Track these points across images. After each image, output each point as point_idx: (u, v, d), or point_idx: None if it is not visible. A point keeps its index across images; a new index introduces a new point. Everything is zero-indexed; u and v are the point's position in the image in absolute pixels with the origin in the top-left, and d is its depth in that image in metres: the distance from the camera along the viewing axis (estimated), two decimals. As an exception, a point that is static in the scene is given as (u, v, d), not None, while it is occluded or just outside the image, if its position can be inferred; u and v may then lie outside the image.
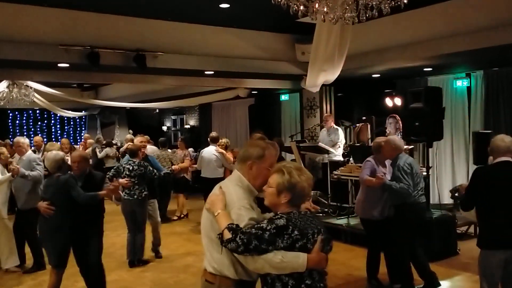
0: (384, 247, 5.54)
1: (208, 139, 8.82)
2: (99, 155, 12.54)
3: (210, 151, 8.51)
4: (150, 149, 10.35)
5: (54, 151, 5.28)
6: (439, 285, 5.45)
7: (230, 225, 2.42)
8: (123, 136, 15.95)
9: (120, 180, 6.44)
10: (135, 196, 6.61)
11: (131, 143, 11.56)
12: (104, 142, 13.17)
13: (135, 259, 6.74)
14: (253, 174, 2.65)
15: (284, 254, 2.35)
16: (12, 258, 6.39)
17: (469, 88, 9.52)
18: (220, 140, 8.83)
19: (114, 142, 15.41)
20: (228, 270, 2.55)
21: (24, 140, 6.57)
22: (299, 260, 2.36)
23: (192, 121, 17.71)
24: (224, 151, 8.61)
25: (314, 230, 2.45)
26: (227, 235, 2.40)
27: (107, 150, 12.63)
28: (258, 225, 2.40)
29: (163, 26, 7.95)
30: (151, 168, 6.76)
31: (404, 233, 5.26)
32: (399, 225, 5.26)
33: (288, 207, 2.48)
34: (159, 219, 7.26)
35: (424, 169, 7.57)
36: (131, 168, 6.67)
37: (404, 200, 5.16)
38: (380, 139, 5.64)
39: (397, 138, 5.71)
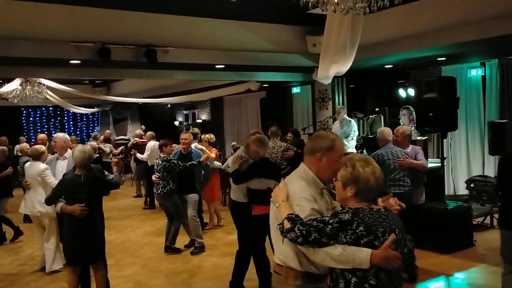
0: None
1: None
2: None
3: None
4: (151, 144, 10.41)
5: (83, 145, 5.05)
6: (415, 279, 5.41)
7: (289, 215, 2.38)
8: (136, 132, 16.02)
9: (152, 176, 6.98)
10: (159, 191, 6.85)
11: (137, 138, 11.66)
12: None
13: (167, 245, 7.02)
14: (322, 166, 2.61)
15: (345, 247, 2.25)
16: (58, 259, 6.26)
17: (483, 77, 9.38)
18: (203, 136, 8.61)
19: (127, 137, 15.51)
20: (293, 261, 2.52)
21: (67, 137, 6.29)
22: (362, 254, 2.22)
23: (204, 116, 17.74)
24: (204, 148, 8.39)
25: (386, 229, 2.28)
26: (287, 225, 2.36)
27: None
28: (321, 218, 2.33)
29: (173, 21, 7.93)
30: (175, 161, 6.80)
31: None
32: None
33: (356, 201, 2.38)
34: (188, 218, 7.00)
35: (438, 160, 7.50)
36: (157, 162, 6.89)
37: None
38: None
39: (381, 129, 5.97)
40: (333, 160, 2.58)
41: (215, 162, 8.19)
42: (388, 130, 5.90)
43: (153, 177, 6.91)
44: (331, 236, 2.26)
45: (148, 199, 10.60)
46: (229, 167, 6.04)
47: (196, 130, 9.07)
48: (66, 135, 6.40)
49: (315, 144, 2.66)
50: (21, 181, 7.03)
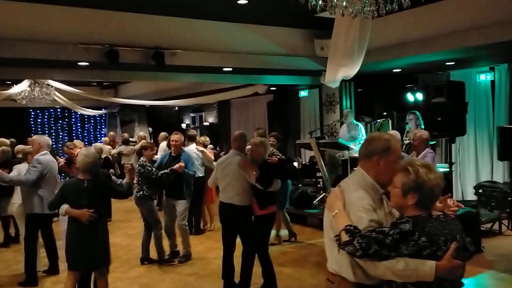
0: None
1: (186, 137, 8.43)
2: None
3: (191, 150, 8.02)
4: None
5: (87, 149, 4.80)
6: None
7: (348, 227, 2.27)
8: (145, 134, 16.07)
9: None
10: (133, 196, 6.49)
11: (144, 141, 11.69)
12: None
13: (143, 256, 6.81)
14: (381, 169, 2.47)
15: (408, 261, 2.16)
16: None
17: (493, 82, 9.32)
18: (198, 138, 8.66)
19: (134, 139, 15.51)
20: (347, 272, 2.43)
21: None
22: (426, 268, 2.14)
23: (211, 118, 17.75)
24: (204, 149, 8.44)
25: (448, 237, 2.19)
26: (345, 237, 2.26)
27: (122, 147, 12.84)
28: (380, 229, 2.22)
29: (181, 24, 7.94)
30: (149, 168, 6.46)
31: None
32: None
33: (416, 209, 2.27)
34: (177, 226, 6.77)
35: (446, 165, 7.44)
36: (136, 166, 6.66)
37: None
38: None
39: (392, 134, 5.82)
40: (392, 162, 2.46)
41: (214, 163, 8.17)
42: (397, 134, 5.89)
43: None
44: (391, 248, 2.17)
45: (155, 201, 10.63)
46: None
47: (194, 132, 9.06)
48: (42, 137, 6.24)
49: (370, 147, 2.53)
50: None
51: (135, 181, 6.33)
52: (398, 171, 2.35)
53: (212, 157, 8.24)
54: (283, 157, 6.82)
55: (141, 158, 6.73)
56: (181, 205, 6.64)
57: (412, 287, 2.20)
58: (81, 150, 4.65)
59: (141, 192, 6.54)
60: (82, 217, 4.39)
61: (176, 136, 6.77)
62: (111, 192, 4.81)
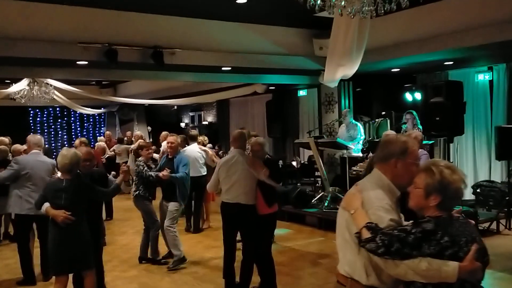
0: None
1: (188, 137, 8.50)
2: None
3: (193, 150, 8.07)
4: None
5: (68, 149, 4.63)
6: None
7: (369, 224, 2.24)
8: (143, 133, 16.06)
9: None
10: (132, 195, 6.67)
11: (141, 141, 11.71)
12: None
13: (141, 255, 6.76)
14: (399, 171, 2.43)
15: (431, 261, 2.13)
16: None
17: (491, 82, 9.33)
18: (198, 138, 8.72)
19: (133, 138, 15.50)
20: (360, 274, 2.40)
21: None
22: (449, 269, 2.10)
23: (210, 118, 17.75)
24: (207, 149, 8.50)
25: (468, 238, 2.17)
26: (366, 234, 2.22)
27: (115, 146, 12.88)
28: (402, 227, 2.20)
29: (180, 23, 7.95)
30: (141, 168, 6.41)
31: None
32: None
33: (437, 210, 2.24)
34: (164, 228, 6.49)
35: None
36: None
37: None
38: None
39: (388, 133, 5.91)
40: (410, 164, 2.43)
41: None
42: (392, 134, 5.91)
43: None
44: (413, 246, 2.14)
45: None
46: None
47: (195, 132, 9.08)
48: (34, 137, 6.16)
49: (387, 150, 2.50)
50: None
51: (133, 181, 6.35)
52: (419, 171, 2.32)
53: (214, 157, 8.31)
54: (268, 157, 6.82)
55: (139, 158, 6.72)
56: (171, 207, 6.41)
57: None
58: (61, 150, 4.54)
59: (137, 192, 6.52)
60: (57, 218, 4.28)
61: (172, 138, 6.57)
62: (92, 192, 4.62)
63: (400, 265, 2.18)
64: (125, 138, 13.99)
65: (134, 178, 6.51)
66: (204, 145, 8.79)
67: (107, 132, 15.31)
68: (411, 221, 2.30)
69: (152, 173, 6.38)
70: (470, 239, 2.18)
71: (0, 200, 7.08)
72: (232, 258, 5.43)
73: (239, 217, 5.28)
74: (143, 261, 6.69)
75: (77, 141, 8.41)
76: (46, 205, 4.41)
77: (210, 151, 8.67)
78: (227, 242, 5.43)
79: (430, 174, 2.25)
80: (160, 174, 6.27)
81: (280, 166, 5.62)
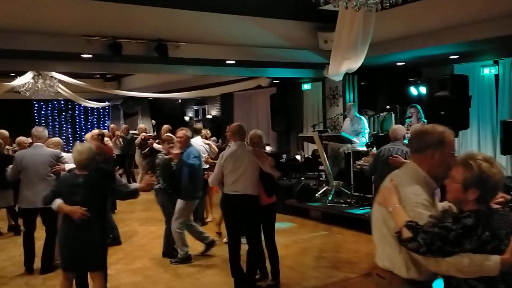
0: None
1: (191, 130, 8.13)
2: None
3: (197, 143, 7.86)
4: None
5: (81, 144, 4.49)
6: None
7: (409, 223, 2.21)
8: (147, 126, 16.08)
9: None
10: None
11: (144, 133, 11.70)
12: None
13: (164, 251, 6.68)
14: (435, 163, 2.39)
15: (472, 257, 2.11)
16: None
17: (497, 76, 9.28)
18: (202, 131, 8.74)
19: (137, 132, 15.52)
20: (400, 268, 2.39)
21: None
22: (491, 263, 2.09)
23: (214, 111, 17.74)
24: (211, 143, 8.51)
25: (508, 230, 2.14)
26: (407, 233, 2.20)
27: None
28: (442, 224, 2.17)
29: (185, 16, 7.93)
30: (166, 161, 6.42)
31: None
32: None
33: (476, 204, 2.21)
34: (174, 222, 6.36)
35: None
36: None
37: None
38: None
39: (393, 127, 6.13)
40: (447, 155, 2.40)
41: None
42: (399, 129, 5.95)
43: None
44: (455, 243, 2.12)
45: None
46: None
47: (199, 125, 9.07)
48: (36, 130, 6.16)
49: (423, 140, 2.44)
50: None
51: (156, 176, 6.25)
52: (456, 164, 2.28)
53: (217, 150, 8.27)
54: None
55: (161, 152, 6.73)
56: (178, 205, 6.31)
57: (475, 282, 2.16)
58: (76, 146, 4.36)
59: (158, 185, 6.41)
60: (74, 214, 4.14)
61: (181, 132, 6.46)
62: (109, 191, 4.47)
63: (442, 262, 2.17)
64: (132, 131, 13.92)
65: (157, 172, 6.45)
66: (207, 139, 8.78)
67: (112, 125, 15.31)
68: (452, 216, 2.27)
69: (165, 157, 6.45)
70: (510, 230, 2.15)
71: (0, 193, 7.19)
72: (238, 254, 5.39)
73: (247, 208, 5.29)
74: (167, 256, 6.60)
75: (88, 135, 8.25)
76: (58, 201, 4.25)
77: (213, 145, 8.68)
78: (232, 236, 5.39)
79: (468, 168, 2.21)
80: (172, 151, 6.32)
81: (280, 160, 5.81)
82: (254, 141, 5.41)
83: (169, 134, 7.36)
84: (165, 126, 10.89)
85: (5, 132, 8.07)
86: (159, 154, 6.76)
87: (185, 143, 6.40)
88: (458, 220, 2.16)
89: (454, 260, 2.14)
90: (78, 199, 4.17)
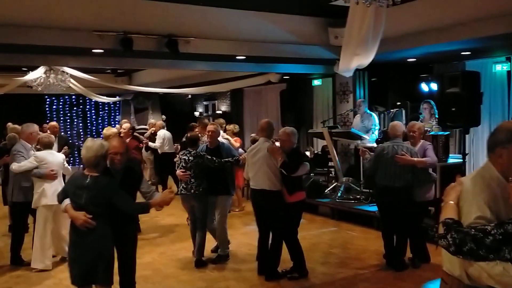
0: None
1: (200, 125, 8.49)
2: None
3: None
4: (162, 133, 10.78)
5: (91, 141, 4.02)
6: (399, 268, 5.79)
7: (446, 220, 2.14)
8: (159, 122, 16.13)
9: (177, 171, 6.15)
10: (192, 191, 6.05)
11: (153, 128, 11.75)
12: None
13: (198, 259, 6.15)
14: (503, 162, 2.22)
15: (508, 267, 1.99)
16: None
17: (509, 72, 9.17)
18: (228, 126, 9.17)
19: (147, 127, 15.62)
20: (459, 272, 2.27)
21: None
22: None
23: (223, 107, 17.76)
24: (229, 137, 8.66)
25: None
26: (440, 229, 2.13)
27: None
28: (482, 227, 2.04)
29: (195, 11, 7.94)
30: (208, 157, 6.04)
31: (378, 210, 6.10)
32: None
33: None
34: (217, 223, 6.27)
35: (460, 155, 7.41)
36: (187, 158, 6.14)
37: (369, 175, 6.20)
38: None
39: (393, 124, 6.09)
40: None
41: (239, 150, 8.62)
42: (398, 125, 6.01)
43: (180, 172, 6.08)
44: (491, 249, 1.96)
45: (162, 187, 10.80)
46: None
47: (222, 120, 9.20)
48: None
49: (493, 137, 2.30)
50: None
51: (184, 174, 6.02)
52: None
53: (237, 145, 8.53)
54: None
55: (189, 149, 6.25)
56: (223, 200, 6.19)
57: None
58: (86, 142, 3.99)
59: (202, 186, 6.07)
60: (76, 221, 3.77)
61: (212, 127, 6.36)
62: (115, 197, 3.88)
63: (475, 265, 2.08)
64: (138, 126, 14.00)
65: (189, 172, 6.06)
66: (234, 133, 9.26)
67: (124, 120, 15.37)
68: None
69: (231, 159, 6.13)
70: None
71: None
72: (265, 242, 5.67)
73: (265, 203, 5.53)
74: (200, 265, 6.12)
75: (108, 131, 7.91)
76: (67, 201, 3.92)
77: (238, 140, 8.97)
78: (259, 226, 5.73)
79: None
80: (243, 156, 6.25)
81: (304, 156, 5.69)
82: (281, 139, 5.53)
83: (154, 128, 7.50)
84: (159, 123, 11.13)
85: (18, 127, 8.06)
86: (189, 152, 6.22)
87: (216, 138, 6.40)
88: (501, 225, 2.00)
89: (487, 266, 2.04)
90: (81, 203, 3.79)
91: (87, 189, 3.80)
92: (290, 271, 5.63)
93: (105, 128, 7.82)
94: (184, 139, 8.26)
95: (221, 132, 8.38)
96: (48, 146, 6.11)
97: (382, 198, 5.95)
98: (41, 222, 6.02)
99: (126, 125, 8.70)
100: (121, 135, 8.15)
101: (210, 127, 6.39)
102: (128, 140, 8.07)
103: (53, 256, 6.28)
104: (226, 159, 6.09)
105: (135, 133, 9.63)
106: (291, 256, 5.62)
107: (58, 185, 5.90)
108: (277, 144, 5.89)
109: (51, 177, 5.94)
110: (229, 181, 6.25)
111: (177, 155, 6.51)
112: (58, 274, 5.88)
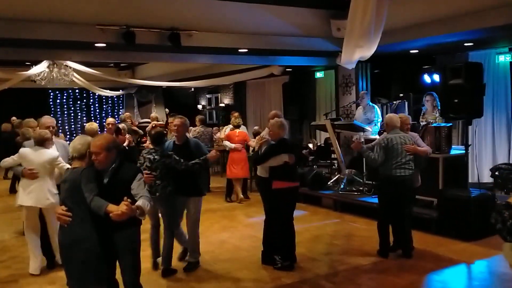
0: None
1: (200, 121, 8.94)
2: None
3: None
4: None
5: (81, 136, 3.91)
6: (411, 256, 5.96)
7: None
8: (161, 115, 16.19)
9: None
10: (157, 194, 5.40)
11: (155, 122, 11.61)
12: None
13: (165, 268, 5.60)
14: None
15: None
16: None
17: (512, 63, 9.16)
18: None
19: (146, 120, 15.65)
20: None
21: None
22: None
23: (226, 100, 17.78)
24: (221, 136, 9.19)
25: None
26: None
27: None
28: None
29: (197, 4, 7.94)
30: (176, 158, 5.41)
31: (381, 202, 6.10)
32: (378, 194, 6.20)
33: None
34: (188, 228, 5.76)
35: (462, 147, 7.42)
36: (152, 158, 5.50)
37: (374, 167, 6.12)
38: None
39: (390, 116, 6.21)
40: None
41: (226, 142, 9.42)
42: (395, 117, 6.16)
43: (145, 174, 5.09)
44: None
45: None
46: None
47: (201, 117, 9.40)
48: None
49: None
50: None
51: (147, 177, 5.19)
52: None
53: (221, 136, 8.88)
54: None
55: (157, 148, 5.60)
56: (195, 204, 5.67)
57: None
58: (82, 136, 3.88)
59: (168, 188, 5.52)
60: (56, 216, 3.60)
61: (178, 120, 5.73)
62: (83, 188, 3.57)
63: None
64: (142, 120, 14.01)
65: (155, 173, 5.46)
66: (238, 127, 9.63)
67: (127, 113, 15.36)
68: None
69: (199, 161, 5.47)
70: None
71: None
72: (266, 230, 5.91)
73: (259, 189, 6.04)
74: (168, 273, 5.58)
75: (90, 126, 7.25)
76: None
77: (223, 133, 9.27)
78: (265, 211, 5.96)
79: None
80: (211, 154, 5.59)
81: (291, 147, 5.78)
82: (269, 129, 5.83)
83: (156, 122, 7.39)
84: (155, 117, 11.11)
85: (33, 123, 7.96)
86: (153, 150, 5.60)
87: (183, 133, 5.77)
88: None
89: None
90: (61, 197, 3.65)
91: (66, 182, 3.66)
92: (281, 258, 5.73)
93: (88, 123, 7.22)
94: None
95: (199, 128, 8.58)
96: (38, 142, 5.55)
97: (390, 188, 5.95)
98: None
99: (109, 120, 7.74)
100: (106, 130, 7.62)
101: (176, 121, 5.73)
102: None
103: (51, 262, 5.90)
104: (194, 162, 5.42)
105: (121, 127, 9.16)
106: (281, 243, 5.73)
107: (42, 185, 5.51)
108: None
109: (28, 176, 5.46)
110: (201, 180, 5.86)
111: (142, 155, 5.73)
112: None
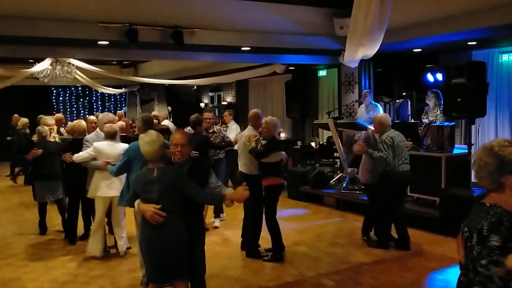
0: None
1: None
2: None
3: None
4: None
5: (149, 134, 3.84)
6: (408, 249, 6.22)
7: None
8: (163, 113, 16.17)
9: None
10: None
11: (155, 120, 11.59)
12: None
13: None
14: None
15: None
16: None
17: (516, 62, 9.12)
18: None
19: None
20: None
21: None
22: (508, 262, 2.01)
23: (229, 98, 17.77)
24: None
25: None
26: None
27: None
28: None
29: (200, 3, 7.93)
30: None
31: (386, 196, 6.17)
32: (383, 189, 6.22)
33: None
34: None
35: (465, 146, 7.41)
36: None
37: (385, 167, 6.13)
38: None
39: (383, 116, 6.43)
40: None
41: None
42: (386, 116, 6.44)
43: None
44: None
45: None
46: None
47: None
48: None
49: None
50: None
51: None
52: None
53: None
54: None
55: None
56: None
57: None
58: (142, 137, 3.84)
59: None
60: (145, 214, 3.64)
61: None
62: (186, 186, 3.71)
63: None
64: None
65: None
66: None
67: (119, 112, 15.06)
68: None
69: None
70: None
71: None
72: (246, 223, 6.19)
73: (248, 185, 5.65)
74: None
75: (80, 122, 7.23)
76: (137, 201, 3.80)
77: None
78: (245, 207, 6.13)
79: None
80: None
81: (280, 145, 6.05)
82: (249, 116, 6.24)
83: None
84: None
85: (49, 121, 7.96)
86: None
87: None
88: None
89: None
90: (153, 198, 3.66)
91: (156, 182, 3.67)
92: (271, 251, 5.98)
93: (76, 121, 7.23)
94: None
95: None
96: (110, 136, 5.87)
97: (398, 183, 6.22)
98: (97, 212, 6.14)
99: (91, 118, 7.46)
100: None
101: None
102: None
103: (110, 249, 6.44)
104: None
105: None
106: (270, 236, 5.95)
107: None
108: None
109: (106, 168, 5.61)
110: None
111: None
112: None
